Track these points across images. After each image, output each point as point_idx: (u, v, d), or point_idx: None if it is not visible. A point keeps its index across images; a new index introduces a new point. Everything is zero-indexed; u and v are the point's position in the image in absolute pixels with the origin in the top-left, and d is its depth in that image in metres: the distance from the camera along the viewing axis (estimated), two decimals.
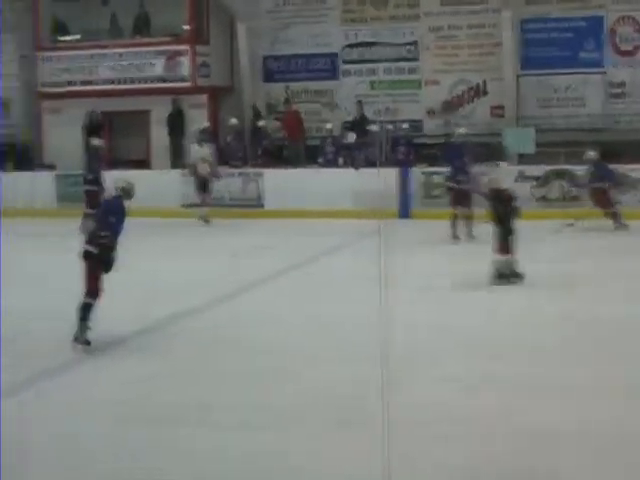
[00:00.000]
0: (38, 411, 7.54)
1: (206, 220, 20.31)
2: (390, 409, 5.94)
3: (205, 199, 20.73)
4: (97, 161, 19.51)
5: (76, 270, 9.48)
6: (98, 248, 9.36)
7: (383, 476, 5.49)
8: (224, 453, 6.39)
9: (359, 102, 23.20)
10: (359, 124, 22.74)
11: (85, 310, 9.30)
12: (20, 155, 25.21)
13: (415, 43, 23.43)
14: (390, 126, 22.34)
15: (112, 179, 9.95)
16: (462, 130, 18.33)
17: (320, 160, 22.29)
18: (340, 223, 19.23)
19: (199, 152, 20.92)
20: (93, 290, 9.34)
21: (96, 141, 20.28)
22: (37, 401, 7.84)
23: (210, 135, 21.96)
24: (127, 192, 9.72)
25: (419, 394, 7.47)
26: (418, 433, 6.57)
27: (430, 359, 8.70)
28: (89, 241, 9.52)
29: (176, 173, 22.67)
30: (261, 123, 23.35)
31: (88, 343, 9.29)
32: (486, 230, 15.81)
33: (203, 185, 20.72)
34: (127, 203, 9.71)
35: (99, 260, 9.36)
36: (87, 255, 9.43)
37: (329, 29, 24.06)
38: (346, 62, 24.01)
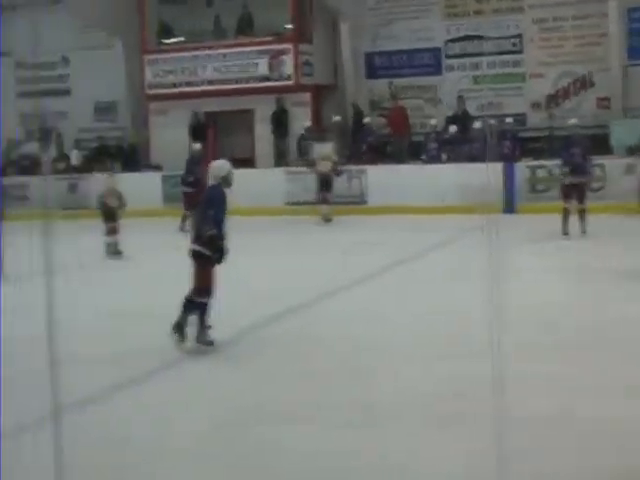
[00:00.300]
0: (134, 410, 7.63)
1: (327, 219, 20.30)
2: (496, 407, 5.87)
3: (326, 197, 20.58)
4: (196, 164, 19.61)
5: (185, 269, 9.54)
6: (204, 245, 9.22)
7: (496, 475, 5.41)
8: (328, 451, 6.39)
9: (460, 97, 23.06)
10: (461, 119, 22.60)
11: (202, 310, 9.21)
12: (127, 156, 25.76)
13: (519, 36, 23.20)
14: (493, 120, 22.11)
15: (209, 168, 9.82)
16: (573, 121, 17.77)
17: (423, 156, 22.20)
18: (444, 219, 19.12)
19: (322, 150, 20.85)
20: (205, 288, 9.22)
21: (197, 145, 20.59)
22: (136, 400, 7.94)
23: (312, 134, 22.03)
24: (225, 179, 9.51)
25: (525, 392, 7.37)
26: (523, 431, 6.48)
27: (537, 357, 8.57)
28: (195, 240, 9.40)
29: (280, 171, 22.85)
30: (366, 120, 23.39)
31: (211, 343, 9.25)
32: (599, 226, 15.64)
33: (325, 183, 20.55)
34: (227, 191, 9.52)
35: (207, 257, 9.23)
36: (194, 254, 9.31)
37: (431, 24, 23.99)
38: (449, 57, 23.90)
